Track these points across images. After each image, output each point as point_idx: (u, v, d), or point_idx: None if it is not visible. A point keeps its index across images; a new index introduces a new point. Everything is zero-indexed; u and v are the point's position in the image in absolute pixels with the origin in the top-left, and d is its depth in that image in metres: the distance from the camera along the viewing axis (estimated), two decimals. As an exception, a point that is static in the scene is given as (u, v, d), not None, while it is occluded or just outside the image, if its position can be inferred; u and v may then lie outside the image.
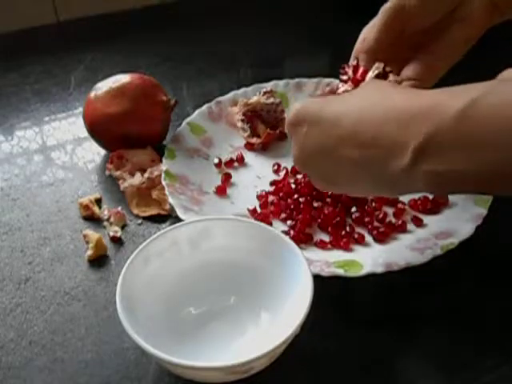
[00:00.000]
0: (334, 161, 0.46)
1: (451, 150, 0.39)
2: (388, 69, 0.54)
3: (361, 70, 0.54)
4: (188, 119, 0.70)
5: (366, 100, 0.46)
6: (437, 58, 0.55)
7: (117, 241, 0.58)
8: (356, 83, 0.54)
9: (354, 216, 0.59)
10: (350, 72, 0.55)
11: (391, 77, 0.53)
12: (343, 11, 1.01)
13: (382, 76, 0.53)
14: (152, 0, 1.01)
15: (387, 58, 0.55)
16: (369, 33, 0.56)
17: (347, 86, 0.54)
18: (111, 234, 0.59)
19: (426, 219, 0.58)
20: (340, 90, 0.55)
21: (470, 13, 0.53)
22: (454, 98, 0.39)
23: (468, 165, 0.39)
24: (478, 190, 0.43)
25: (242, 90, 0.74)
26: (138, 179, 0.63)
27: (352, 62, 0.55)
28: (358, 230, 0.58)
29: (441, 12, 0.54)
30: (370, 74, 0.53)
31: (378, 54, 0.55)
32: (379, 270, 0.51)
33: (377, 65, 0.53)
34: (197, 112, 0.71)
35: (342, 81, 0.56)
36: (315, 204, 0.60)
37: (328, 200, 0.60)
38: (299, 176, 0.63)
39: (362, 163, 0.44)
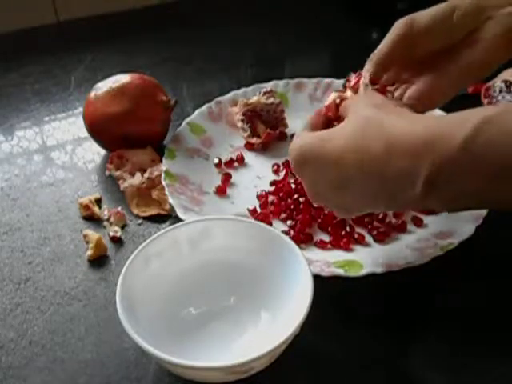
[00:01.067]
0: (345, 193, 0.46)
1: (460, 176, 0.40)
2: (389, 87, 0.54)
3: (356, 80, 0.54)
4: (188, 119, 0.70)
5: (363, 134, 0.45)
6: (445, 81, 0.53)
7: (117, 241, 0.58)
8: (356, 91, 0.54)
9: (353, 216, 0.59)
10: (353, 82, 0.54)
11: (389, 89, 0.54)
12: (343, 11, 1.01)
13: (377, 89, 0.53)
14: (152, 0, 1.01)
15: (396, 73, 0.55)
16: (381, 46, 0.54)
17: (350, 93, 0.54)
18: (111, 233, 0.59)
19: (426, 219, 0.58)
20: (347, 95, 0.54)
21: (487, 40, 0.51)
22: (456, 128, 0.39)
23: (479, 185, 0.39)
24: (492, 206, 0.44)
25: (242, 90, 0.74)
26: (138, 179, 0.63)
27: (356, 74, 0.55)
28: (358, 229, 0.58)
29: (451, 37, 0.52)
30: (363, 80, 0.53)
31: (387, 68, 0.54)
32: (379, 270, 0.51)
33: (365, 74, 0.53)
34: (197, 112, 0.71)
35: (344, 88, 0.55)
36: (315, 204, 0.60)
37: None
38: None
39: (373, 195, 0.45)
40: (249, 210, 0.60)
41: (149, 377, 0.47)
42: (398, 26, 0.53)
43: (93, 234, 0.57)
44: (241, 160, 0.67)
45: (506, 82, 0.73)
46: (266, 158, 0.68)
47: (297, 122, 0.72)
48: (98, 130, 0.66)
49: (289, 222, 0.59)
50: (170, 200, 0.59)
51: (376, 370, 0.47)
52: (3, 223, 0.61)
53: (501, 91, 0.73)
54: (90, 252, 0.56)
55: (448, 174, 0.40)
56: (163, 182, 0.61)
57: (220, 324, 0.49)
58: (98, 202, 0.63)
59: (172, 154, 0.65)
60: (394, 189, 0.43)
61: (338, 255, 0.55)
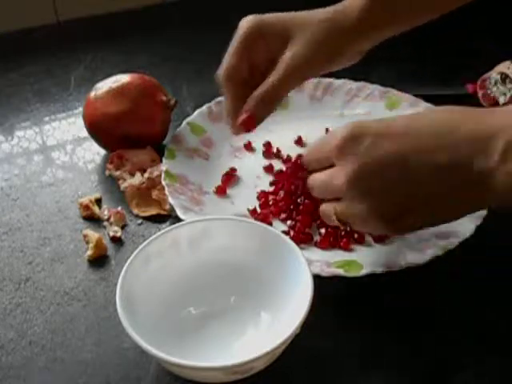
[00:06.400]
0: (410, 171, 0.43)
1: None
2: None
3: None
4: (188, 119, 0.70)
5: (433, 114, 0.46)
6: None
7: (117, 241, 0.58)
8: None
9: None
10: None
11: None
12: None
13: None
14: (152, 0, 1.01)
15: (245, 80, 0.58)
16: (227, 60, 0.59)
17: None
18: (111, 233, 0.59)
19: (426, 219, 0.58)
20: None
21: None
22: None
23: None
24: None
25: (242, 90, 0.74)
26: (138, 179, 0.63)
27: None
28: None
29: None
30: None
31: (236, 79, 0.58)
32: (379, 270, 0.51)
33: None
34: (197, 112, 0.71)
35: None
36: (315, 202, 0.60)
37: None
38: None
39: (447, 167, 0.43)
40: (249, 210, 0.60)
41: (149, 377, 0.47)
42: (242, 35, 0.59)
43: (93, 234, 0.57)
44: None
45: (501, 74, 0.73)
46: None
47: (297, 123, 0.72)
48: (98, 129, 0.66)
49: (289, 222, 0.59)
50: (170, 200, 0.59)
51: (376, 370, 0.47)
52: (3, 223, 0.61)
53: (496, 83, 0.73)
54: (89, 252, 0.56)
55: None
56: (163, 182, 0.61)
57: (220, 324, 0.49)
58: (98, 202, 0.63)
59: (172, 154, 0.65)
60: (470, 154, 0.42)
61: (338, 255, 0.55)
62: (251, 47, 0.58)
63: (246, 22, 0.59)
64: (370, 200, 0.45)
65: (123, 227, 0.60)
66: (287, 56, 0.56)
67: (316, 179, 0.50)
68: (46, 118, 0.77)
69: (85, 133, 0.68)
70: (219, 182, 0.64)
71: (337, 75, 0.73)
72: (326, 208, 0.50)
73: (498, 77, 0.73)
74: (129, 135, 0.65)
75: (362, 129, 0.46)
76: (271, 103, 0.57)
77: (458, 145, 0.43)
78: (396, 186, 0.44)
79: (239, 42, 0.58)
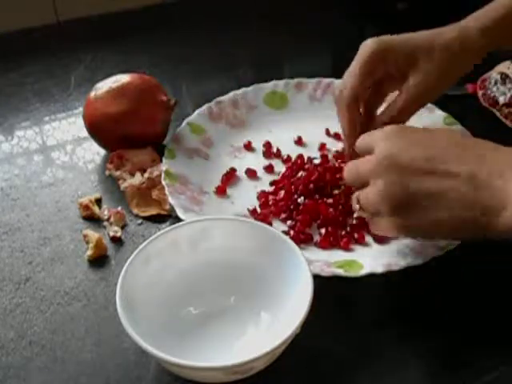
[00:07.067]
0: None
1: None
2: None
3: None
4: (188, 119, 0.70)
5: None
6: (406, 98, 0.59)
7: (117, 241, 0.58)
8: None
9: (354, 216, 0.59)
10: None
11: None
12: (343, 11, 1.01)
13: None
14: (152, 0, 1.01)
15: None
16: (349, 82, 0.59)
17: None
18: (111, 233, 0.59)
19: (426, 219, 0.58)
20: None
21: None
22: None
23: None
24: None
25: (242, 90, 0.74)
26: (138, 179, 0.63)
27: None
28: (358, 230, 0.58)
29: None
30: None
31: (357, 102, 0.59)
32: (379, 270, 0.51)
33: None
34: (197, 112, 0.71)
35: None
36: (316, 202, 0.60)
37: (330, 201, 0.60)
38: (299, 175, 0.63)
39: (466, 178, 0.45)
40: (249, 210, 0.60)
41: (149, 377, 0.47)
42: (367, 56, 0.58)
43: (93, 234, 0.57)
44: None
45: (501, 74, 0.73)
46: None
47: (297, 123, 0.72)
48: (98, 129, 0.66)
49: (289, 222, 0.59)
50: (170, 200, 0.59)
51: (376, 370, 0.47)
52: (3, 223, 0.61)
53: (496, 83, 0.73)
54: (89, 252, 0.56)
55: None
56: (163, 182, 0.61)
57: (220, 324, 0.49)
58: (98, 202, 0.63)
59: (172, 154, 0.65)
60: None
61: (338, 255, 0.55)
62: (374, 70, 0.59)
63: (370, 44, 0.59)
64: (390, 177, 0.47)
65: (123, 227, 0.60)
66: (412, 84, 0.58)
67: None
68: (46, 118, 0.77)
69: (85, 133, 0.68)
70: (219, 182, 0.64)
71: (337, 75, 0.74)
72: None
73: (498, 77, 0.74)
74: (129, 135, 0.65)
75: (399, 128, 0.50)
76: None
77: (477, 161, 0.45)
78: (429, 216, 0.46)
79: (363, 65, 0.58)
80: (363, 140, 0.52)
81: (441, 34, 0.59)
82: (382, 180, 0.47)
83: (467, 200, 0.44)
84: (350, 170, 0.52)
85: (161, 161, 0.65)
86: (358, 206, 0.51)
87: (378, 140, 0.49)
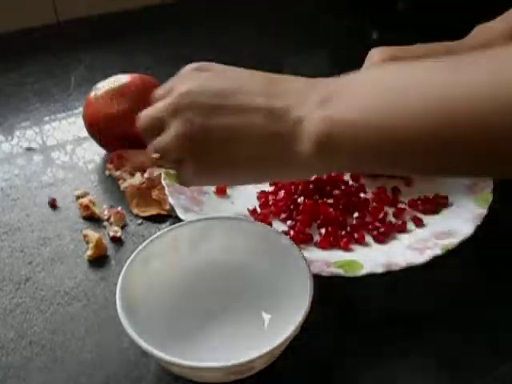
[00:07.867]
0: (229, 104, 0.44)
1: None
2: None
3: None
4: (188, 119, 0.70)
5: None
6: None
7: (117, 241, 0.58)
8: None
9: (354, 216, 0.59)
10: None
11: None
12: (343, 11, 1.01)
13: None
14: (152, 0, 1.01)
15: None
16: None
17: None
18: (111, 233, 0.59)
19: (426, 219, 0.58)
20: None
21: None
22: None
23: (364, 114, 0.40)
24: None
25: (242, 89, 0.74)
26: (138, 179, 0.63)
27: None
28: (358, 230, 0.58)
29: None
30: None
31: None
32: (379, 270, 0.51)
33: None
34: (197, 112, 0.71)
35: None
36: (316, 202, 0.60)
37: (330, 201, 0.60)
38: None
39: (264, 109, 0.43)
40: (249, 210, 0.60)
41: (149, 376, 0.47)
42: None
43: (93, 234, 0.57)
44: None
45: None
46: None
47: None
48: (98, 130, 0.66)
49: (289, 222, 0.59)
50: (170, 200, 0.59)
51: (376, 370, 0.47)
52: (3, 223, 0.61)
53: None
54: (89, 252, 0.56)
55: (337, 98, 0.43)
56: (163, 182, 0.61)
57: (220, 324, 0.49)
58: (98, 202, 0.63)
59: (172, 154, 0.65)
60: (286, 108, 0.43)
61: (338, 255, 0.55)
62: None
63: (378, 53, 0.58)
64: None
65: (123, 227, 0.60)
66: None
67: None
68: (46, 118, 0.77)
69: (85, 133, 0.69)
70: (219, 182, 0.64)
71: (337, 75, 0.73)
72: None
73: None
74: (129, 135, 0.65)
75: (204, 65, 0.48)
76: None
77: (280, 95, 0.44)
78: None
79: None
80: (163, 86, 0.49)
81: (461, 44, 0.58)
82: (177, 120, 0.44)
83: (266, 134, 0.43)
84: (144, 115, 0.49)
85: (161, 161, 0.65)
86: (155, 155, 0.47)
87: (176, 81, 0.47)
